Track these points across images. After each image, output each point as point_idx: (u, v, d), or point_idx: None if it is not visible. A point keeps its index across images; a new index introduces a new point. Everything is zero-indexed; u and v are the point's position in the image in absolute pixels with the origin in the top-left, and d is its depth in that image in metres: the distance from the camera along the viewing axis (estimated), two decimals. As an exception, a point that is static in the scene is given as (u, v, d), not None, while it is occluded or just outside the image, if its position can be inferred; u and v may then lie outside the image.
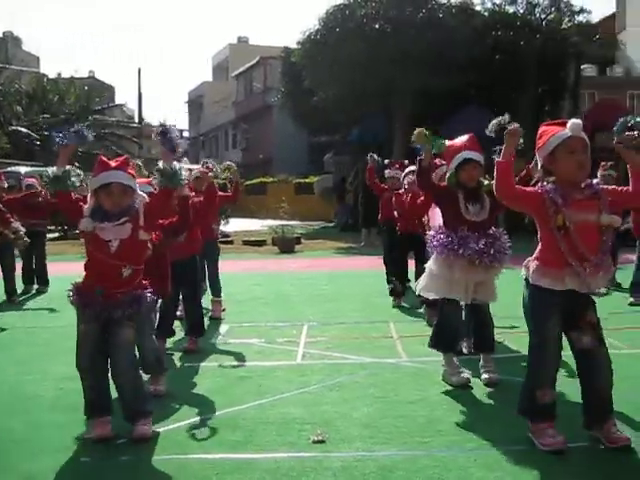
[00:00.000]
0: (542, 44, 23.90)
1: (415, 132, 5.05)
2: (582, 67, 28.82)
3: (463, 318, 5.20)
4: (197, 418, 4.29)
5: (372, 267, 11.19)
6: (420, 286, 5.11)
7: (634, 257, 8.57)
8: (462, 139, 5.01)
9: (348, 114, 24.23)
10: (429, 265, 5.03)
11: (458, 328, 5.05)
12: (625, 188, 3.74)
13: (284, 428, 4.06)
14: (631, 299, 8.28)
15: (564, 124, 3.68)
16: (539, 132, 3.78)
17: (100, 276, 3.94)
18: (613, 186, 3.84)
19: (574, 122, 3.62)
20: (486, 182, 4.95)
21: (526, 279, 3.76)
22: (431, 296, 5.14)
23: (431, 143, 4.99)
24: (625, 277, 8.75)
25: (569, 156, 3.62)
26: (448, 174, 5.02)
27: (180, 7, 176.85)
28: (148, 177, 6.53)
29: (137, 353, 4.26)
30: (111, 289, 3.91)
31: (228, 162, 7.71)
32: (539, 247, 3.77)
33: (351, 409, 4.40)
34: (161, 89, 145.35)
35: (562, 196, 3.60)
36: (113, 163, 4.03)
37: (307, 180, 30.20)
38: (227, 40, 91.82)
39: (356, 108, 23.39)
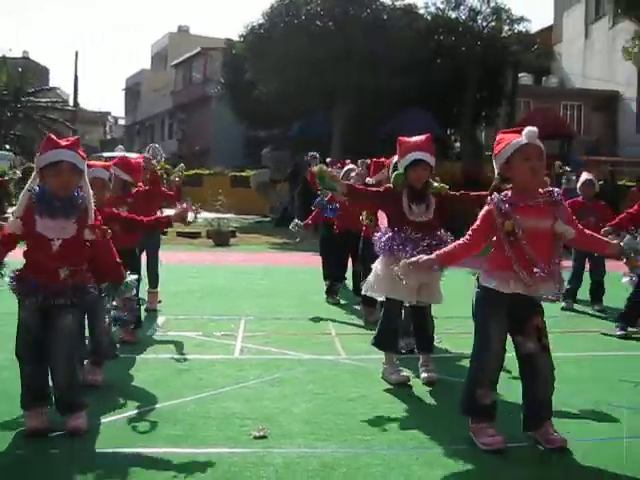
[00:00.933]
0: (482, 51, 24.34)
1: (316, 171, 4.90)
2: (519, 75, 29.43)
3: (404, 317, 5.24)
4: (135, 411, 4.21)
5: (308, 263, 11.20)
6: (366, 286, 5.12)
7: (569, 264, 8.76)
8: (416, 139, 4.99)
9: (289, 109, 24.22)
10: (375, 265, 5.05)
11: (400, 327, 5.08)
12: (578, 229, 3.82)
13: (225, 423, 4.02)
14: (563, 304, 8.48)
15: (520, 132, 3.74)
16: (496, 140, 3.84)
17: (38, 272, 3.78)
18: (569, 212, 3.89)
19: (530, 130, 3.68)
20: (435, 184, 4.99)
21: (477, 279, 3.81)
22: (376, 296, 5.14)
23: (327, 184, 4.89)
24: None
25: (524, 163, 3.67)
26: (393, 175, 5.00)
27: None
28: None
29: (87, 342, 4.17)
30: (49, 284, 3.79)
31: (181, 165, 7.59)
32: (491, 250, 3.82)
33: (291, 405, 4.39)
34: (99, 75, 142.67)
35: (511, 203, 3.64)
36: (64, 142, 3.89)
37: (244, 174, 29.99)
38: (167, 28, 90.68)
39: (297, 104, 23.40)
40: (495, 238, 3.76)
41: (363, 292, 5.30)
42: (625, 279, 6.73)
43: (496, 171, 3.83)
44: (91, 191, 3.93)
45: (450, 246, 3.94)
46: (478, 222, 3.78)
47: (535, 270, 3.60)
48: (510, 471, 3.46)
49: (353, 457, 3.58)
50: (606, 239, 4.02)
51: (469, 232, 3.82)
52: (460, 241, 3.91)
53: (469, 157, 24.42)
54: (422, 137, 5.00)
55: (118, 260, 4.22)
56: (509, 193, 3.71)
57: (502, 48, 26.01)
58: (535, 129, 3.68)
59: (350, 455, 3.60)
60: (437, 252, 3.86)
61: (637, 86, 34.44)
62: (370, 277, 5.06)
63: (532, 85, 36.09)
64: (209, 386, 4.75)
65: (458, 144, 28.43)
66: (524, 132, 3.69)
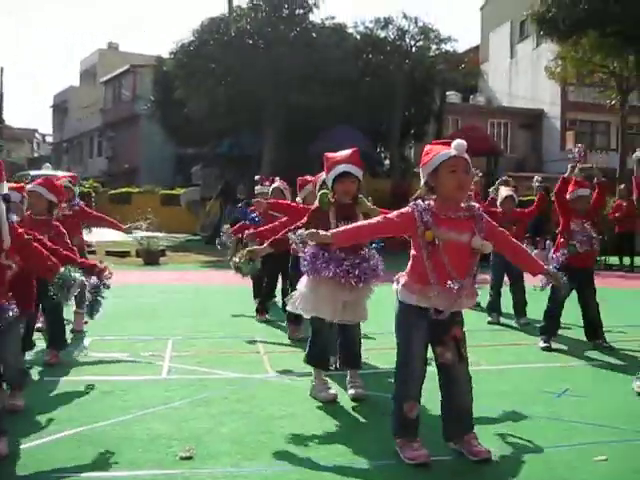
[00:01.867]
0: (411, 69, 24.75)
1: (319, 195, 4.98)
2: (447, 94, 30.00)
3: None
4: (58, 435, 4.11)
5: (239, 282, 11.10)
6: (290, 303, 5.12)
7: (488, 277, 8.95)
8: (343, 153, 5.01)
9: (218, 127, 24.15)
10: (300, 283, 5.06)
11: (329, 345, 5.10)
12: (500, 234, 3.94)
13: (150, 444, 3.96)
14: (489, 318, 8.66)
15: (449, 144, 3.81)
16: (425, 150, 3.89)
17: None
18: (499, 229, 3.99)
19: (459, 142, 3.75)
20: (368, 203, 5.00)
21: (397, 292, 3.86)
22: (303, 314, 5.13)
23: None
24: (483, 297, 9.11)
25: (451, 175, 3.73)
26: (319, 194, 5.02)
27: (49, 8, 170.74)
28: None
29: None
30: None
31: None
32: (410, 263, 3.87)
33: (218, 424, 4.36)
34: (26, 91, 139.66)
35: (433, 214, 3.71)
36: None
37: (174, 192, 29.77)
38: (97, 45, 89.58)
39: (227, 121, 23.37)
40: (413, 249, 3.82)
41: (288, 309, 5.30)
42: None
43: (422, 180, 3.88)
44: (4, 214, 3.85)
45: (352, 225, 3.95)
46: (395, 216, 3.82)
47: (451, 283, 3.67)
48: (434, 484, 3.51)
49: (280, 475, 3.57)
50: (539, 262, 4.10)
51: (379, 219, 3.87)
52: (366, 222, 3.96)
53: (398, 174, 24.75)
54: (349, 151, 5.02)
55: (48, 255, 4.13)
56: (432, 203, 3.78)
57: (430, 67, 26.53)
58: (464, 142, 3.75)
59: (277, 473, 3.60)
60: (333, 230, 3.88)
61: (560, 104, 35.47)
62: (295, 295, 5.07)
63: (460, 103, 36.86)
64: (135, 407, 4.68)
65: (387, 161, 28.77)
66: (453, 144, 3.76)
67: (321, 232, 3.83)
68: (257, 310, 8.42)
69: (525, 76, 37.87)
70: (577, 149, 7.06)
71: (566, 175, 7.10)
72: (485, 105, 39.15)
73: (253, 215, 8.10)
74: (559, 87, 33.33)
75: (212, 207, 23.34)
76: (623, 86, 26.60)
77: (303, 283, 4.98)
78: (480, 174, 8.82)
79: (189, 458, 3.77)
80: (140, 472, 3.58)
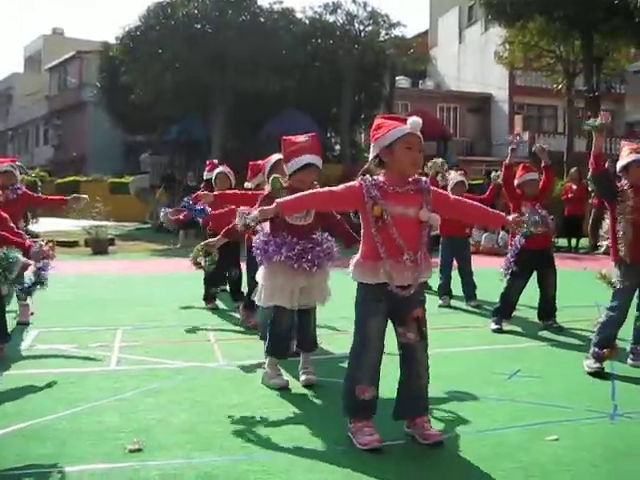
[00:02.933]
0: (360, 54, 24.70)
1: (271, 180, 4.90)
2: (397, 79, 30.04)
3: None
4: (4, 430, 3.98)
5: (189, 270, 11.02)
6: (256, 296, 5.05)
7: (436, 260, 9.00)
8: (303, 140, 4.92)
9: (167, 113, 23.84)
10: (258, 274, 4.99)
11: (290, 333, 5.03)
12: (453, 199, 3.92)
13: (98, 438, 3.86)
14: (440, 301, 8.71)
15: (403, 120, 3.77)
16: (377, 123, 3.84)
17: None
18: (449, 195, 3.98)
19: (415, 120, 3.72)
20: (316, 187, 4.95)
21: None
22: (260, 303, 5.05)
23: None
24: (434, 280, 9.15)
25: (406, 152, 3.70)
26: (271, 179, 4.93)
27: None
28: None
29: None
30: None
31: None
32: (361, 241, 3.84)
33: (169, 415, 4.27)
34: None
35: (381, 189, 3.68)
36: None
37: (122, 180, 29.36)
38: (41, 31, 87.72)
39: (175, 107, 23.08)
40: (363, 226, 3.78)
41: (257, 303, 5.18)
42: (501, 269, 6.94)
43: (372, 154, 3.84)
44: None
45: (300, 194, 3.88)
46: (343, 189, 3.77)
47: (404, 257, 3.64)
48: (388, 469, 3.48)
49: (232, 465, 3.52)
50: (500, 214, 4.10)
51: (327, 190, 3.83)
52: (314, 191, 3.92)
53: (349, 159, 24.74)
54: (308, 138, 4.94)
55: None
56: (381, 178, 3.74)
57: (379, 52, 26.52)
58: (419, 119, 3.73)
59: (229, 463, 3.54)
60: (280, 199, 3.83)
61: (508, 89, 35.84)
62: (258, 288, 5.01)
63: (409, 88, 37.04)
64: (82, 400, 4.56)
65: (338, 146, 28.74)
66: (409, 121, 3.72)
67: (267, 207, 3.77)
68: (206, 298, 8.32)
69: (473, 61, 38.18)
70: (512, 137, 7.14)
71: (506, 161, 7.15)
72: (434, 90, 39.40)
73: (199, 208, 7.91)
74: (507, 71, 33.67)
75: (161, 195, 23.06)
76: (569, 70, 26.98)
77: (260, 275, 4.92)
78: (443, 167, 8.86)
79: (138, 450, 3.68)
80: (88, 467, 3.48)
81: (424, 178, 3.90)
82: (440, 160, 9.24)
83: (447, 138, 29.02)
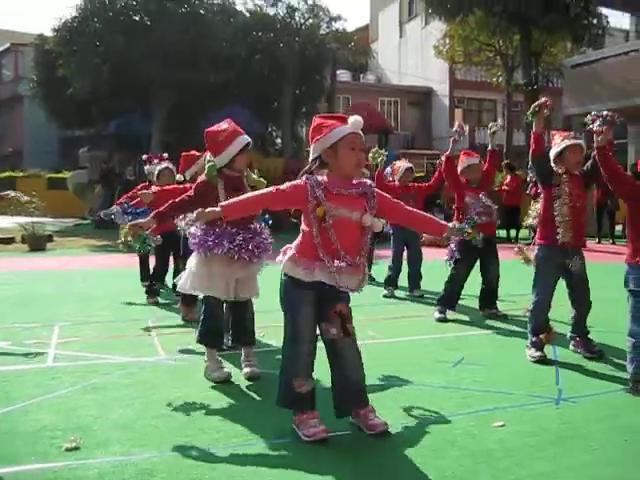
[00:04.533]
0: (301, 48, 24.62)
1: (207, 167, 4.79)
2: (338, 72, 30.07)
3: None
4: None
5: (129, 265, 10.85)
6: (181, 283, 4.94)
7: (386, 252, 9.01)
8: (226, 126, 4.83)
9: (105, 107, 23.41)
10: (189, 262, 4.88)
11: (222, 323, 4.94)
12: (398, 206, 3.87)
13: (34, 437, 3.71)
14: (384, 292, 8.71)
15: (342, 119, 3.71)
16: (316, 123, 3.76)
17: None
18: (394, 201, 3.92)
19: (356, 119, 3.66)
20: (254, 176, 4.88)
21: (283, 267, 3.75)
22: (193, 293, 4.94)
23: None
24: (379, 271, 9.15)
25: (350, 152, 3.64)
26: (207, 166, 4.83)
27: None
28: None
29: None
30: None
31: None
32: (299, 237, 3.76)
33: (107, 411, 4.14)
34: None
35: (325, 189, 3.61)
36: None
37: (60, 175, 28.74)
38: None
39: (113, 101, 22.67)
40: (303, 224, 3.71)
41: (178, 289, 5.10)
42: (447, 258, 6.97)
43: (312, 155, 3.76)
44: None
45: (242, 196, 3.80)
46: (287, 188, 3.69)
47: (340, 260, 3.59)
48: (334, 460, 3.42)
49: (173, 460, 3.42)
50: (441, 223, 4.06)
51: (271, 189, 3.74)
52: (257, 192, 3.83)
53: (290, 153, 24.66)
54: (229, 122, 4.85)
55: None
56: (325, 178, 3.67)
57: (320, 45, 26.46)
58: (361, 119, 3.67)
59: (169, 458, 3.44)
60: (222, 203, 3.73)
61: (448, 82, 36.20)
62: (185, 274, 4.89)
63: (350, 82, 37.13)
64: (18, 399, 4.39)
65: (279, 140, 28.63)
66: (351, 121, 3.66)
67: (209, 209, 3.66)
68: (147, 293, 8.16)
69: (414, 55, 38.45)
70: (455, 128, 7.17)
71: (448, 153, 7.17)
72: (375, 83, 39.57)
73: (138, 210, 7.69)
74: (447, 66, 33.98)
75: (99, 191, 22.63)
76: (508, 64, 27.36)
77: (193, 262, 4.81)
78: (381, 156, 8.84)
79: (76, 449, 3.55)
80: (23, 467, 3.34)
81: (369, 182, 3.84)
82: (378, 150, 9.24)
83: (388, 131, 29.17)
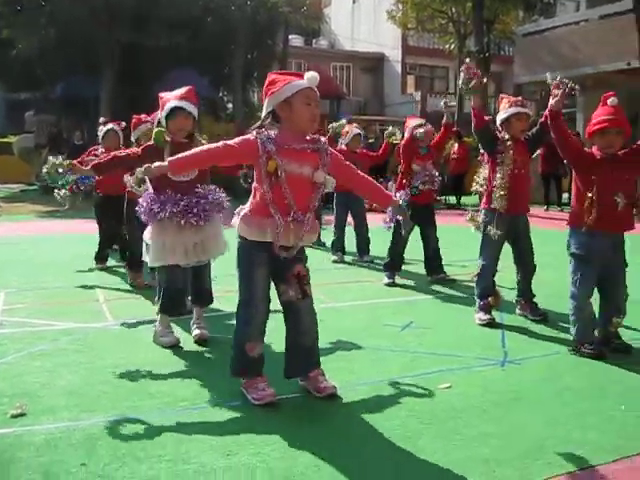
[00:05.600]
0: (253, 11, 24.28)
1: (155, 132, 4.72)
2: (290, 37, 29.77)
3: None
4: None
5: (77, 231, 10.73)
6: (146, 257, 4.88)
7: (332, 218, 9.04)
8: (176, 91, 4.79)
9: (51, 69, 22.82)
10: (145, 235, 4.82)
11: (183, 291, 4.89)
12: (349, 168, 3.85)
13: (-23, 404, 3.67)
14: (333, 257, 8.75)
15: (298, 75, 3.67)
16: (271, 78, 3.69)
17: None
18: (345, 162, 3.89)
19: (312, 74, 3.61)
20: (203, 141, 4.81)
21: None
22: (154, 264, 4.86)
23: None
24: (328, 236, 9.17)
25: (305, 107, 3.60)
26: (155, 131, 4.75)
27: None
28: None
29: None
30: None
31: None
32: (251, 196, 3.73)
33: (54, 377, 4.10)
34: None
35: (277, 143, 3.57)
36: None
37: (5, 140, 28.04)
38: None
39: (60, 62, 22.10)
40: (255, 180, 3.68)
41: (150, 265, 4.98)
42: (384, 224, 6.99)
43: (265, 109, 3.71)
44: None
45: (190, 151, 3.73)
46: (237, 142, 3.64)
47: (292, 216, 3.57)
48: (283, 423, 3.44)
49: (120, 425, 3.40)
50: (387, 193, 4.06)
51: (220, 144, 3.68)
52: (205, 147, 3.77)
53: (242, 118, 24.42)
54: (183, 89, 4.81)
55: None
56: (276, 133, 3.64)
57: (272, 9, 26.12)
58: (317, 74, 3.62)
59: (117, 424, 3.42)
60: (170, 158, 3.69)
61: (401, 49, 36.14)
62: (144, 244, 4.85)
63: (303, 47, 36.80)
64: (-39, 366, 4.33)
65: (231, 105, 28.33)
66: (307, 76, 3.61)
67: (156, 164, 3.61)
68: (96, 258, 8.05)
69: (367, 20, 38.24)
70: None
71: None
72: (328, 49, 39.30)
73: (84, 180, 7.54)
74: (400, 32, 33.90)
75: (47, 155, 22.16)
76: (461, 32, 27.43)
77: (147, 235, 4.75)
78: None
79: (21, 415, 3.52)
80: (-34, 434, 3.30)
81: (323, 138, 3.81)
82: (342, 122, 9.23)
83: (341, 97, 29.09)
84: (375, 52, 37.38)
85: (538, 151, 13.45)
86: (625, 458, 3.08)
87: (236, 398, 3.73)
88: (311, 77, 3.62)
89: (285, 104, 3.62)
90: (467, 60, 5.64)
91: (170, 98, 4.74)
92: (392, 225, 6.85)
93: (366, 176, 4.00)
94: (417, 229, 7.16)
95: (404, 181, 7.07)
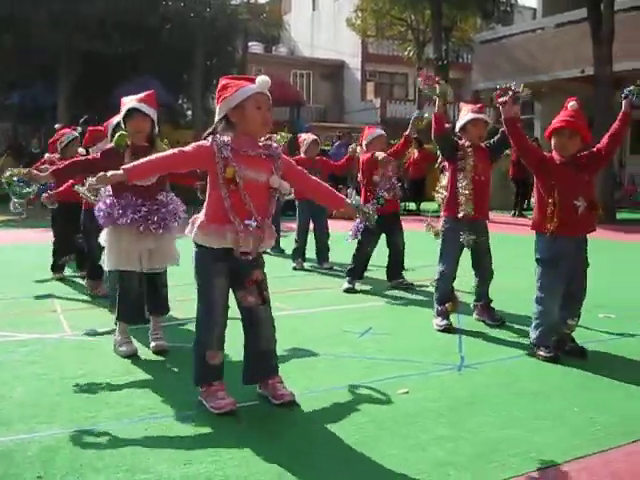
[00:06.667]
0: (212, 18, 24.23)
1: (117, 136, 4.70)
2: (250, 44, 29.76)
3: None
4: None
5: (34, 240, 10.59)
6: (102, 262, 4.85)
7: (294, 225, 9.06)
8: (137, 95, 4.79)
9: (7, 76, 22.52)
10: (101, 239, 4.80)
11: (140, 297, 4.86)
12: (300, 172, 3.89)
13: None
14: (293, 264, 8.77)
15: (250, 79, 3.68)
16: (223, 83, 3.70)
17: None
18: (298, 167, 3.93)
19: (263, 78, 3.63)
20: (164, 146, 4.80)
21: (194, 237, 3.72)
22: (113, 269, 4.83)
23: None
24: (287, 244, 9.19)
25: (256, 111, 3.61)
26: (117, 134, 4.72)
27: None
28: None
29: None
30: None
31: None
32: (206, 203, 3.73)
33: (10, 390, 4.04)
34: None
35: (233, 150, 3.58)
36: None
37: (-39, 148, 27.62)
38: None
39: (17, 70, 21.81)
40: (210, 188, 3.68)
41: (105, 268, 4.96)
42: (349, 236, 7.06)
43: (217, 115, 3.72)
44: None
45: (146, 158, 3.70)
46: (193, 148, 3.63)
47: (250, 222, 3.58)
48: (241, 431, 3.44)
49: (77, 436, 3.37)
50: (340, 195, 4.08)
51: (176, 151, 3.67)
52: (161, 154, 3.75)
53: (201, 125, 24.33)
54: (143, 93, 4.82)
55: None
56: (230, 139, 3.64)
57: (232, 16, 26.11)
58: (268, 78, 3.64)
59: (75, 435, 3.38)
60: (125, 166, 3.66)
61: (361, 56, 36.35)
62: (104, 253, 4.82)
63: (262, 54, 36.82)
64: None
65: (190, 112, 28.22)
66: (258, 80, 3.63)
67: (111, 172, 3.59)
68: (54, 268, 7.96)
69: (327, 28, 38.40)
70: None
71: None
72: (288, 56, 39.37)
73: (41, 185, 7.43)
74: (359, 39, 34.09)
75: (4, 164, 21.87)
76: (420, 39, 27.70)
77: (104, 238, 4.73)
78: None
79: (-25, 428, 3.47)
80: None
81: (275, 144, 3.83)
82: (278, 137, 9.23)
83: (300, 104, 29.13)
84: (335, 59, 37.54)
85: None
86: (578, 459, 3.13)
87: (195, 407, 3.72)
88: (262, 81, 3.64)
89: (237, 109, 3.63)
90: (424, 70, 5.73)
91: (128, 100, 4.75)
92: (358, 236, 6.94)
93: (319, 180, 4.03)
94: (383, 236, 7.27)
95: (368, 194, 7.10)
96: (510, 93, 4.65)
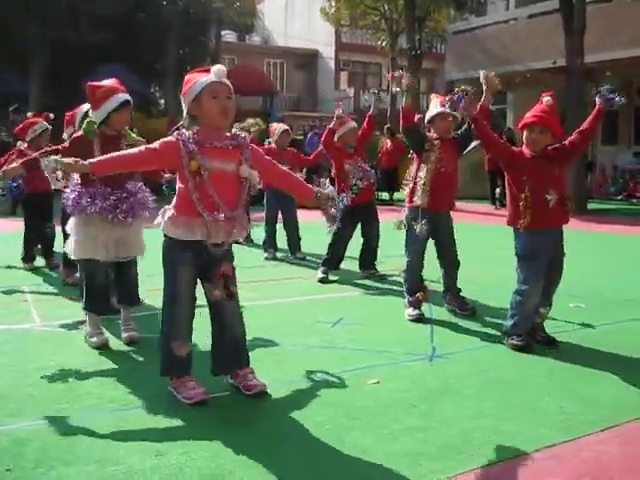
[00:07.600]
0: (185, 7, 24.07)
1: (85, 124, 4.64)
2: (223, 33, 29.59)
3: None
4: None
5: (6, 229, 10.48)
6: (67, 247, 4.81)
7: (262, 215, 9.04)
8: (109, 82, 4.73)
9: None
10: (68, 227, 4.76)
11: (109, 286, 4.84)
12: (268, 161, 3.89)
13: None
14: (265, 254, 8.76)
15: (207, 70, 3.67)
16: (186, 79, 3.71)
17: None
18: (267, 158, 3.92)
19: (218, 67, 3.64)
20: (133, 135, 4.77)
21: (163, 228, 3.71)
22: (73, 256, 4.80)
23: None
24: (258, 234, 9.17)
25: (213, 101, 3.60)
26: (85, 122, 4.67)
27: None
28: None
29: None
30: None
31: None
32: (176, 196, 3.72)
33: (-21, 381, 4.02)
34: None
35: (197, 142, 3.57)
36: None
37: None
38: None
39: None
40: (179, 181, 3.67)
41: (69, 256, 4.92)
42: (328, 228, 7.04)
43: (184, 111, 3.72)
44: None
45: (113, 154, 3.69)
46: (159, 145, 3.62)
47: (219, 213, 3.57)
48: (213, 422, 3.44)
49: (47, 429, 3.35)
50: (308, 186, 4.08)
51: (142, 148, 3.69)
52: (127, 151, 3.76)
53: (174, 114, 24.20)
54: (114, 80, 4.76)
55: None
56: (196, 132, 3.63)
57: (205, 5, 25.96)
58: (223, 67, 3.65)
59: (44, 427, 3.36)
60: (92, 160, 3.64)
61: (334, 45, 36.26)
62: (68, 240, 4.78)
63: (236, 42, 36.61)
64: None
65: (163, 101, 28.06)
66: (213, 69, 3.63)
67: (79, 162, 3.55)
68: (25, 258, 7.88)
69: (301, 17, 38.23)
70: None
71: (331, 125, 7.22)
72: (261, 45, 39.19)
73: (14, 185, 7.36)
74: (333, 28, 34.00)
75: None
76: (393, 29, 27.67)
77: (71, 226, 4.69)
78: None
79: (-57, 420, 3.44)
80: None
81: (243, 134, 3.84)
82: (251, 121, 9.18)
83: (274, 93, 29.05)
84: (309, 48, 37.41)
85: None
86: (548, 447, 3.17)
87: (165, 398, 3.72)
88: (217, 70, 3.64)
89: (195, 102, 3.64)
90: (393, 72, 5.75)
91: (114, 88, 4.66)
92: (335, 227, 6.92)
93: (288, 170, 4.05)
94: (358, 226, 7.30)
95: (341, 184, 7.08)
96: (459, 100, 4.72)
